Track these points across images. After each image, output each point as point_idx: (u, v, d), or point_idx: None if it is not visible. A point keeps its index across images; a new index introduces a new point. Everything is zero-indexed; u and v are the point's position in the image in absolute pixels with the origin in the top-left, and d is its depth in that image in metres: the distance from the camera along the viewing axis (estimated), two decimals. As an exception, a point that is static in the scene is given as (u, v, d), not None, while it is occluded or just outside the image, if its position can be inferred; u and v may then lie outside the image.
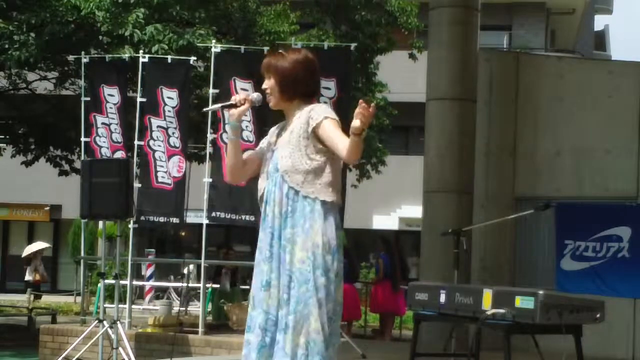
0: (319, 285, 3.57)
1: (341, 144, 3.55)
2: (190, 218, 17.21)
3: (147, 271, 21.07)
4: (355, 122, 3.39)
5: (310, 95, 3.79)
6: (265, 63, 3.81)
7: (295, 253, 3.60)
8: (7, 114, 17.90)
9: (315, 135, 3.64)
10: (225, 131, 10.52)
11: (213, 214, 10.62)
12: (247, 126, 10.35)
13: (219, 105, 4.08)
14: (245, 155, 3.88)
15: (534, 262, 9.70)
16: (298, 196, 3.64)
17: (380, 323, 14.41)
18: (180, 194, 10.92)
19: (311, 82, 3.78)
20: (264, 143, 3.90)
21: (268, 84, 3.78)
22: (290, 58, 3.74)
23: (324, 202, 3.63)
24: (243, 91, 10.51)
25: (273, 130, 3.89)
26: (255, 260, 3.75)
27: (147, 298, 20.21)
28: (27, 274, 19.10)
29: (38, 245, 19.71)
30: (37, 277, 19.07)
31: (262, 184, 3.81)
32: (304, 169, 3.63)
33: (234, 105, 3.82)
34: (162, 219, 10.95)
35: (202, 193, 10.64)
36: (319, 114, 3.65)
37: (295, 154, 3.65)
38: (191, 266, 16.00)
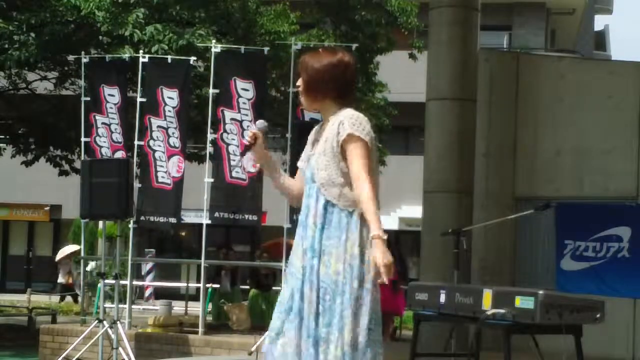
0: (355, 297, 3.53)
1: (354, 176, 3.54)
2: (190, 218, 17.23)
3: (147, 266, 21.10)
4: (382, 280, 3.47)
5: (342, 97, 3.68)
6: (301, 60, 3.77)
7: (331, 265, 3.55)
8: (7, 114, 17.90)
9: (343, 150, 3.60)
10: (225, 131, 10.53)
11: (216, 214, 10.62)
12: (248, 126, 10.36)
13: (242, 153, 4.03)
14: (294, 181, 3.82)
15: (534, 262, 9.69)
16: (334, 208, 3.60)
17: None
18: (179, 194, 10.94)
19: (341, 84, 3.66)
20: (305, 153, 3.80)
21: (299, 82, 3.72)
22: (324, 59, 3.67)
23: (361, 214, 3.59)
24: (242, 84, 10.50)
25: (310, 136, 3.81)
26: (289, 268, 3.71)
27: (147, 292, 20.26)
28: (60, 276, 19.10)
29: (71, 248, 19.64)
30: (70, 279, 19.13)
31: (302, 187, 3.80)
32: (339, 182, 3.59)
33: (251, 146, 3.71)
34: (161, 219, 10.96)
35: (202, 193, 10.65)
36: (344, 129, 3.57)
37: (331, 166, 3.60)
38: (92, 263, 15.89)
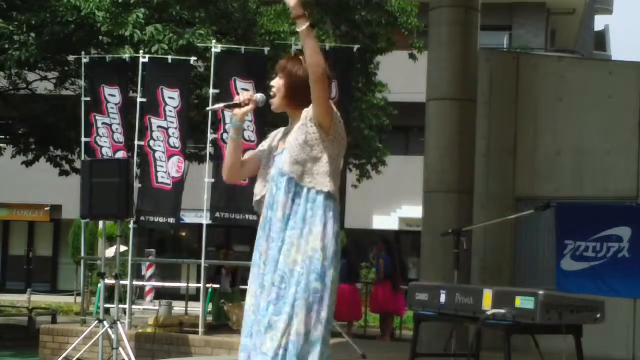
0: (311, 289, 3.54)
1: (309, 73, 3.56)
2: (190, 218, 17.24)
3: (147, 272, 21.07)
4: None
5: None
6: (281, 63, 3.80)
7: (290, 254, 3.58)
8: (7, 114, 17.92)
9: (314, 122, 3.62)
10: (225, 131, 10.53)
11: (216, 214, 10.62)
12: (248, 126, 10.35)
13: (223, 104, 4.06)
14: (245, 155, 3.86)
15: (534, 262, 9.70)
16: (301, 197, 3.61)
17: (381, 323, 14.42)
18: (179, 194, 10.93)
19: None
20: (264, 145, 3.87)
21: (276, 82, 3.76)
22: (306, 67, 3.68)
23: (323, 194, 3.61)
24: (245, 91, 10.51)
25: (274, 134, 3.87)
26: (253, 263, 3.73)
27: (148, 297, 20.21)
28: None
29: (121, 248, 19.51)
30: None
31: (260, 188, 3.79)
32: (302, 159, 3.61)
33: (238, 105, 3.80)
34: (161, 219, 10.96)
35: (202, 193, 10.65)
36: (307, 109, 3.68)
37: (295, 151, 3.63)
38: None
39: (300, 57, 3.78)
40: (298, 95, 3.70)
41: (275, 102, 3.76)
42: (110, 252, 16.71)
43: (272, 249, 3.63)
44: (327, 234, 3.60)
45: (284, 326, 3.52)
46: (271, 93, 3.77)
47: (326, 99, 3.63)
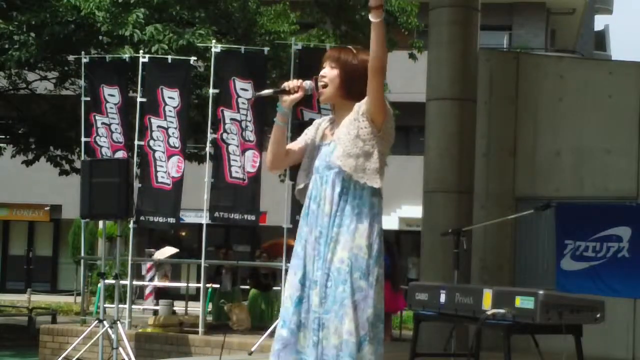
0: (357, 287, 3.51)
1: (369, 62, 3.55)
2: (190, 218, 17.24)
3: (148, 274, 21.06)
4: None
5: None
6: (333, 52, 3.75)
7: (336, 252, 3.54)
8: (7, 114, 17.92)
9: (367, 116, 3.59)
10: (225, 131, 10.53)
11: (216, 214, 10.62)
12: (247, 126, 10.36)
13: (272, 90, 3.98)
14: (289, 145, 3.80)
15: (534, 262, 9.70)
16: (349, 193, 3.59)
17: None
18: (178, 194, 10.94)
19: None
20: (306, 135, 3.81)
21: (329, 73, 3.68)
22: (360, 57, 3.69)
23: (370, 190, 3.58)
24: (242, 84, 10.50)
25: (319, 123, 3.82)
26: (294, 255, 3.68)
27: (149, 300, 20.20)
28: (156, 278, 19.02)
29: (171, 249, 19.52)
30: (167, 280, 19.12)
31: (303, 178, 3.76)
32: (355, 153, 3.57)
33: (287, 92, 3.72)
34: (161, 219, 10.96)
35: (202, 193, 10.65)
36: (360, 103, 3.62)
37: (345, 139, 3.59)
38: None
39: (351, 47, 3.78)
40: (353, 85, 3.64)
41: (327, 93, 3.69)
42: (162, 253, 16.59)
43: (320, 244, 3.59)
44: (373, 231, 3.58)
45: (334, 326, 3.49)
46: (321, 83, 3.69)
47: (382, 93, 3.59)
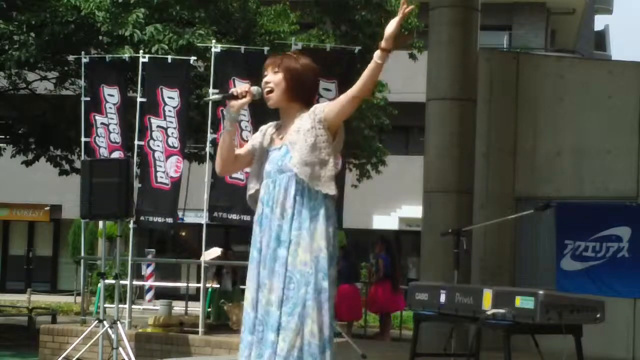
0: (320, 288, 3.56)
1: (350, 91, 3.62)
2: (190, 218, 17.25)
3: (148, 269, 21.08)
4: (390, 25, 3.51)
5: (310, 103, 3.80)
6: (274, 59, 3.81)
7: (298, 254, 3.59)
8: (7, 114, 17.91)
9: (324, 124, 3.66)
10: (204, 102, 10.49)
11: (214, 214, 10.62)
12: (246, 126, 10.35)
13: (220, 95, 4.05)
14: (238, 150, 3.87)
15: (534, 262, 9.69)
16: (304, 197, 3.64)
17: (380, 323, 14.42)
18: (177, 194, 10.92)
19: (314, 89, 3.85)
20: (254, 140, 3.87)
21: (273, 78, 3.75)
22: (302, 61, 3.77)
23: (329, 198, 3.65)
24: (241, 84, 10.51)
25: (266, 130, 3.87)
26: (250, 260, 3.73)
27: (148, 295, 20.23)
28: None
29: (217, 251, 19.45)
30: (214, 282, 19.12)
31: (254, 184, 3.81)
32: (312, 161, 3.63)
33: (235, 97, 3.80)
34: (160, 219, 10.95)
35: (202, 193, 10.65)
36: (321, 105, 3.73)
37: (303, 147, 3.65)
38: None
39: (290, 53, 3.86)
40: (298, 88, 3.73)
41: (274, 97, 3.75)
42: (208, 255, 16.52)
43: (277, 247, 3.62)
44: (330, 232, 3.64)
45: (297, 327, 3.53)
46: (267, 89, 3.76)
47: (350, 114, 3.72)
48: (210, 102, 10.88)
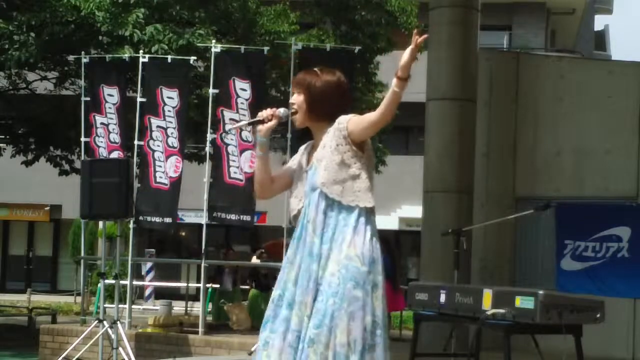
0: (350, 297, 3.51)
1: (373, 114, 3.59)
2: (190, 218, 17.25)
3: (147, 276, 21.08)
4: (405, 55, 3.49)
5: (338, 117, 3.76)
6: (298, 78, 3.79)
7: (327, 267, 3.57)
8: (7, 114, 17.90)
9: (349, 140, 3.63)
10: (225, 131, 10.53)
11: (214, 214, 10.62)
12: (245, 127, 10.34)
13: (247, 122, 4.03)
14: (275, 172, 3.84)
15: (534, 262, 9.70)
16: (333, 211, 3.62)
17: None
18: (176, 194, 10.92)
19: (340, 104, 3.76)
20: (293, 161, 3.86)
21: (296, 99, 3.74)
22: (324, 79, 3.72)
23: (364, 209, 3.62)
24: (241, 84, 10.51)
25: (303, 150, 3.86)
26: (283, 266, 3.71)
27: (147, 292, 20.23)
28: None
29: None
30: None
31: (296, 204, 3.79)
32: (340, 179, 3.62)
33: (261, 122, 3.76)
34: (158, 219, 10.95)
35: (202, 193, 10.64)
36: (344, 119, 3.66)
37: (330, 167, 3.63)
38: None
39: (316, 70, 3.78)
40: (318, 108, 3.70)
41: (299, 119, 3.75)
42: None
43: (305, 262, 3.61)
44: (364, 240, 3.59)
45: (326, 339, 3.49)
46: (292, 110, 3.75)
47: (374, 133, 3.72)
48: (210, 102, 10.94)
